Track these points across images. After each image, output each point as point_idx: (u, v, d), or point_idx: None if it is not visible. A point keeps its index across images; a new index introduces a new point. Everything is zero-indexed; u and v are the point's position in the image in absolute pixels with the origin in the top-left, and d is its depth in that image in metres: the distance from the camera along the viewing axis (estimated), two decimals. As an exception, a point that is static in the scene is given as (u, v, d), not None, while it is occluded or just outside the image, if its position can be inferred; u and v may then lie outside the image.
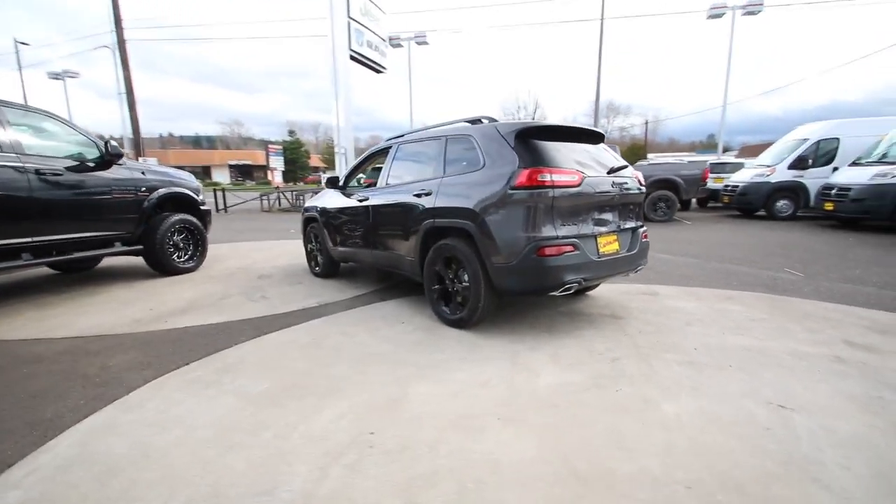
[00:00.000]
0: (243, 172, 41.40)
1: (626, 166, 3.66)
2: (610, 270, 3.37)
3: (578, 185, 3.11)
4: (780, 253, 6.63)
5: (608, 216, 3.41)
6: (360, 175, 5.97)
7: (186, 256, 6.01)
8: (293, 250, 7.64)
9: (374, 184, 5.71)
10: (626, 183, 3.49)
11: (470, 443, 1.93)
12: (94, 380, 2.66)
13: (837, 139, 10.37)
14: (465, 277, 3.41)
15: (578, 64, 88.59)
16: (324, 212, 5.21)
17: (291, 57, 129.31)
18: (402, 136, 4.55)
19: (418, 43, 18.69)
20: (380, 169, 4.56)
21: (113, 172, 5.08)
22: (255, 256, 7.17)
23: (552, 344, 3.14)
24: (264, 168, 47.56)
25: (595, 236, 3.26)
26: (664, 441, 1.93)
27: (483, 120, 3.70)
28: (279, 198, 18.04)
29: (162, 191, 5.64)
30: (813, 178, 10.39)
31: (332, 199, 5.15)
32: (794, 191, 10.68)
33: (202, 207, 6.34)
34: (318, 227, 5.38)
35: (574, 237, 3.12)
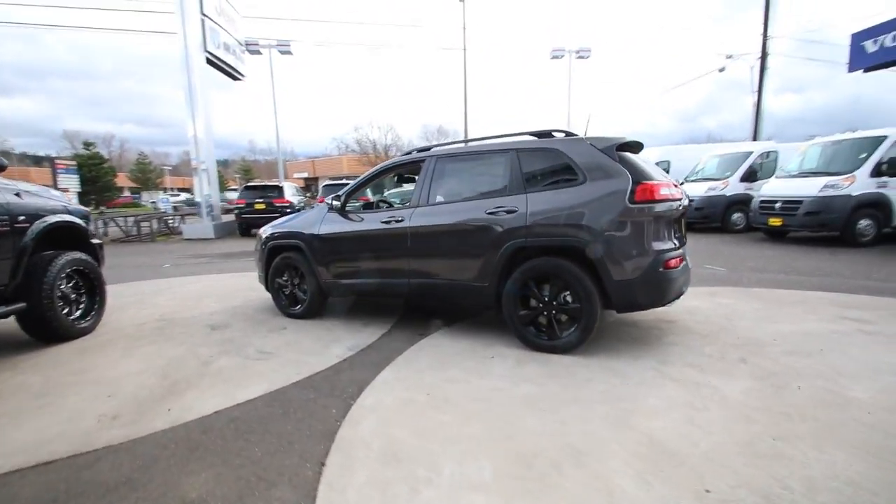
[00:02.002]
0: (8, 196, 31.20)
1: None
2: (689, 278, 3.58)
3: (681, 197, 3.25)
4: (682, 253, 8.05)
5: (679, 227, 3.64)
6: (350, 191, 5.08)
7: (80, 311, 4.22)
8: (209, 290, 6.08)
9: (373, 204, 4.97)
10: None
11: (814, 472, 1.79)
12: (204, 527, 1.61)
13: (668, 161, 13.24)
14: (568, 298, 3.20)
15: (422, 88, 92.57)
16: (316, 239, 4.26)
17: (64, 53, 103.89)
18: (429, 148, 4.07)
19: (281, 52, 17.04)
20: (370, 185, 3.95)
21: (-26, 193, 3.27)
22: (159, 302, 5.44)
23: (671, 355, 3.16)
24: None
25: (680, 247, 3.43)
26: (913, 424, 2.13)
27: (555, 133, 3.56)
28: (106, 226, 14.15)
29: (42, 222, 3.86)
30: (657, 193, 13.00)
31: (326, 223, 4.26)
32: (644, 203, 13.16)
33: (94, 241, 4.57)
34: (301, 258, 4.38)
35: (680, 248, 3.24)
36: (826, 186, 7.94)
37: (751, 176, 10.57)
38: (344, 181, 14.60)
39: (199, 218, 13.81)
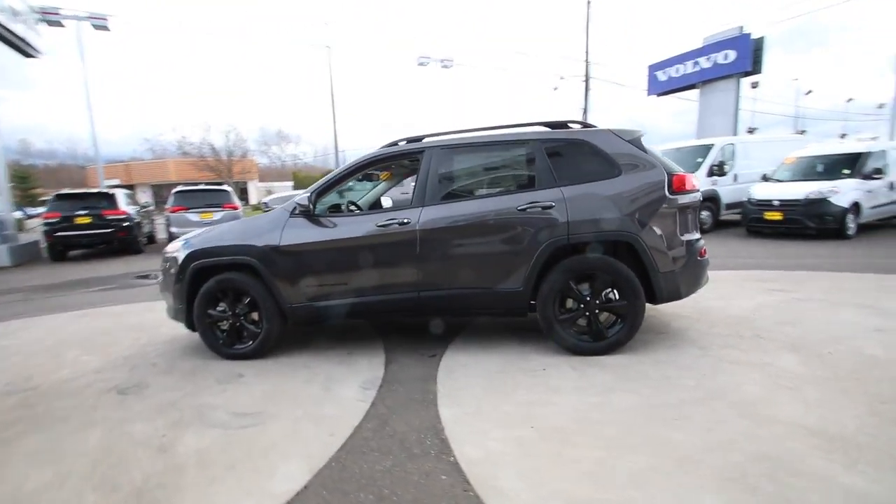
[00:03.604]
0: None
1: None
2: None
3: (700, 188, 3.37)
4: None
5: None
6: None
7: None
8: (62, 339, 4.31)
9: (339, 207, 4.07)
10: None
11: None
12: None
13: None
14: (611, 295, 3.05)
15: (259, 87, 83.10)
16: (277, 253, 3.26)
17: None
18: (420, 138, 3.49)
19: (95, 26, 13.22)
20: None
21: None
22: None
23: (698, 340, 3.26)
24: None
25: None
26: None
27: (571, 125, 3.37)
28: None
29: None
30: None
31: (291, 231, 3.30)
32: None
33: None
34: (251, 279, 3.32)
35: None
36: (678, 185, 9.59)
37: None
38: (203, 187, 12.25)
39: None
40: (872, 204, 8.11)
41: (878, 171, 8.06)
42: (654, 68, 22.07)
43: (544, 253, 3.00)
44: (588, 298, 3.05)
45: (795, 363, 2.74)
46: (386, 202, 5.17)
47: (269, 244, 3.30)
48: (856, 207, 7.84)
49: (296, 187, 26.49)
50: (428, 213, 3.15)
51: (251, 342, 3.43)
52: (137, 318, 4.87)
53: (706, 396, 2.39)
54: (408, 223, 3.14)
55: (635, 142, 3.14)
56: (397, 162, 3.65)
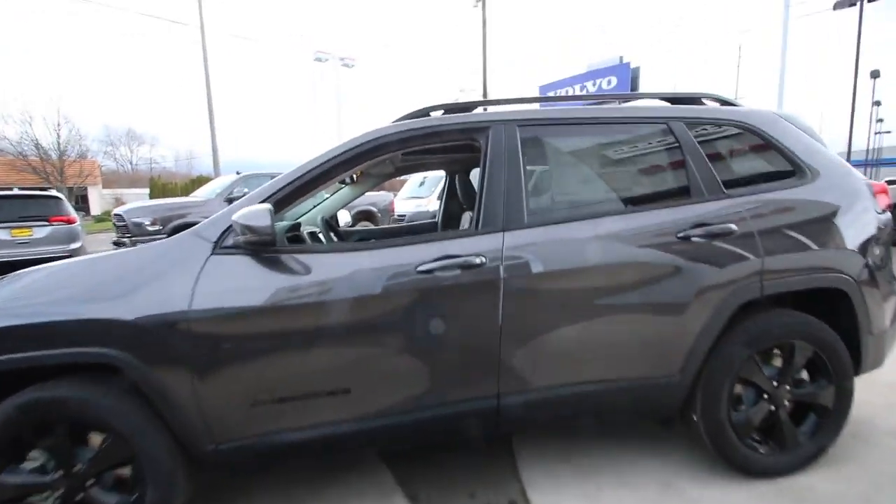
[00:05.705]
0: None
1: None
2: None
3: None
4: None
5: None
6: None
7: None
8: None
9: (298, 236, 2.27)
10: None
11: None
12: None
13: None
14: (804, 375, 1.88)
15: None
16: (186, 334, 1.43)
17: None
18: (468, 108, 1.96)
19: None
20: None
21: None
22: None
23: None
24: None
25: None
26: None
27: (705, 101, 2.13)
28: None
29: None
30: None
31: (216, 283, 1.49)
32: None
33: None
34: (118, 396, 1.44)
35: None
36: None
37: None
38: (17, 192, 8.58)
39: None
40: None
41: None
42: (544, 89, 22.91)
43: (724, 314, 1.70)
44: (776, 384, 1.82)
45: None
46: (343, 217, 3.48)
47: (159, 312, 1.46)
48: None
49: (152, 196, 21.44)
50: (516, 242, 1.63)
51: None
52: None
53: None
54: (482, 265, 1.58)
55: (810, 131, 2.04)
56: (431, 145, 2.04)
